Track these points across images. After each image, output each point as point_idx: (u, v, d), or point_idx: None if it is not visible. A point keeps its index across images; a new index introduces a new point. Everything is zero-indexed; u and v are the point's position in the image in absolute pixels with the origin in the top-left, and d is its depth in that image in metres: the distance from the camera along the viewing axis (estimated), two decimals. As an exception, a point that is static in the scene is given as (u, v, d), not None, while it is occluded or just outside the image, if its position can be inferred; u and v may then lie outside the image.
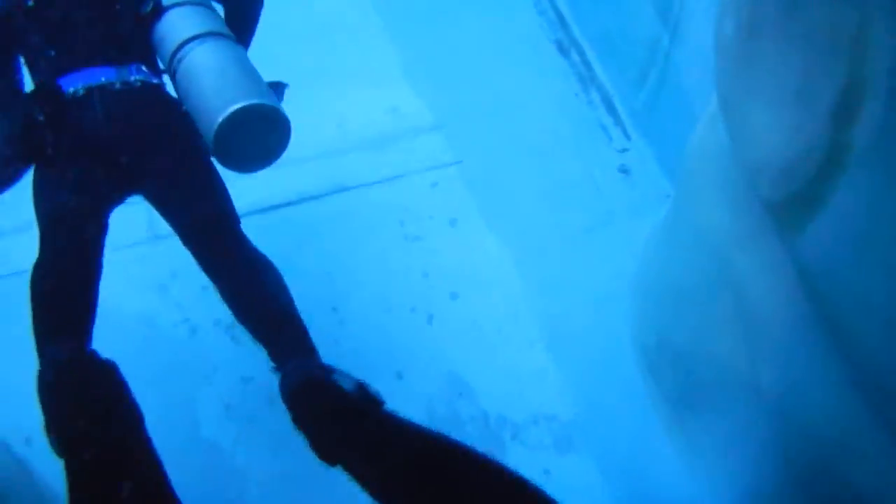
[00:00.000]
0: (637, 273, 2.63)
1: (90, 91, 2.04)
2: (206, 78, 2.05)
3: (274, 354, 1.91)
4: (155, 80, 2.17)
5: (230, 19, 2.29)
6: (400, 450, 1.66)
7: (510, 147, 3.06)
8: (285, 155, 3.06)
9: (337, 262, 2.80)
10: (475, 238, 2.84)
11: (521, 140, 3.08)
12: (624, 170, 3.01)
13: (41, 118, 2.01)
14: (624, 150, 3.06)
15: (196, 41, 2.11)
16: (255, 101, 2.02)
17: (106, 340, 2.61)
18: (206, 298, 2.58)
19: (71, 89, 2.05)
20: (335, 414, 1.73)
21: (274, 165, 3.00)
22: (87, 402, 1.71)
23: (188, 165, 2.12)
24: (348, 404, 1.74)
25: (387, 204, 2.93)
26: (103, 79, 2.06)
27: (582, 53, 3.35)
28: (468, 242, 2.83)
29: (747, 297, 1.80)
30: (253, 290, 2.01)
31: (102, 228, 2.08)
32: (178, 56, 2.10)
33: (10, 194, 2.16)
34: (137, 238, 2.82)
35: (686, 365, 2.25)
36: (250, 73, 2.12)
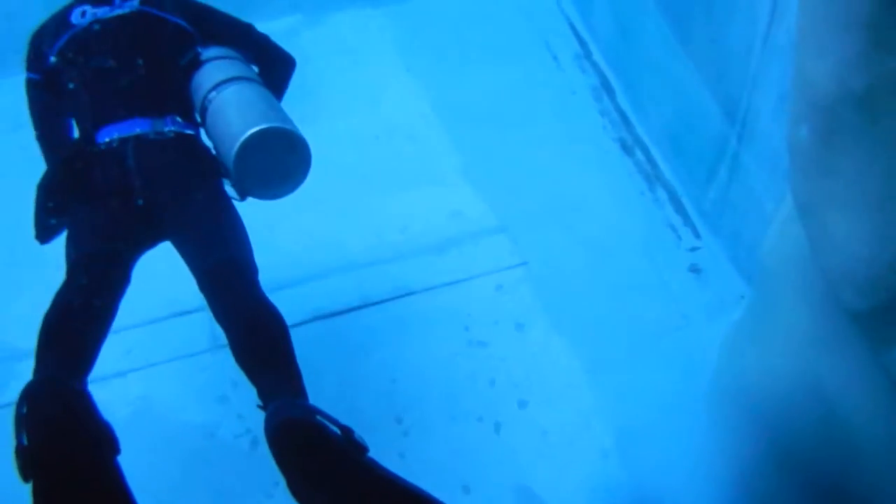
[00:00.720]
0: (712, 379, 2.56)
1: (125, 142, 2.16)
2: (230, 110, 2.18)
3: (262, 393, 1.92)
4: (189, 132, 2.27)
5: (262, 77, 2.44)
6: (378, 499, 1.67)
7: (576, 248, 3.07)
8: (348, 260, 3.17)
9: (401, 369, 2.81)
10: (543, 343, 2.83)
11: (586, 241, 3.09)
12: (695, 269, 2.99)
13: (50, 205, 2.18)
14: (694, 250, 3.05)
15: (226, 83, 2.25)
16: (273, 124, 2.12)
17: (167, 451, 2.69)
18: (269, 409, 2.62)
19: (106, 139, 2.17)
20: (316, 454, 1.75)
21: (337, 271, 3.10)
22: (55, 424, 1.75)
23: (212, 212, 2.22)
24: (331, 446, 1.75)
25: (451, 308, 2.95)
26: (138, 130, 2.18)
27: (646, 152, 3.38)
28: (536, 347, 2.82)
29: (837, 411, 1.74)
30: (253, 330, 2.05)
31: (125, 274, 2.17)
32: (209, 98, 2.24)
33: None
34: (199, 347, 2.89)
35: (768, 478, 2.16)
36: (273, 105, 2.25)
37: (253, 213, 3.28)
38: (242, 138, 2.08)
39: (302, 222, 3.22)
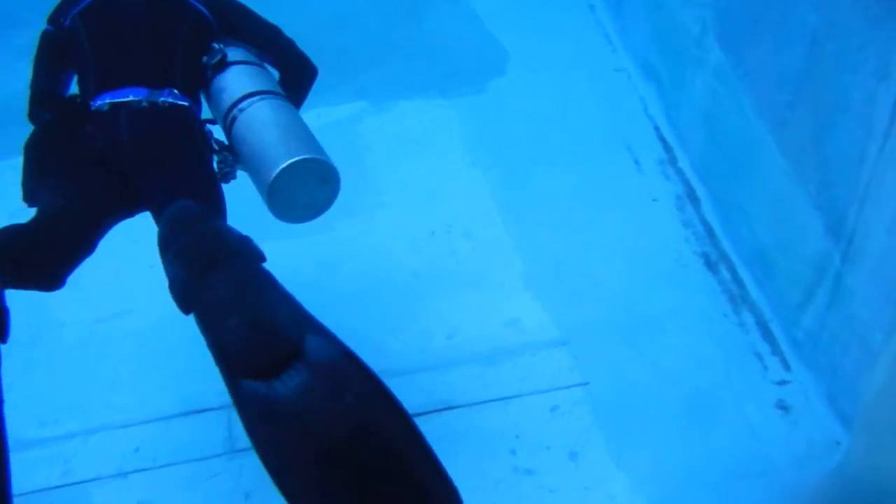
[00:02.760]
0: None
1: (116, 107, 2.32)
2: (270, 129, 2.35)
3: None
4: (183, 103, 2.40)
5: (283, 85, 2.61)
6: (266, 303, 1.79)
7: (645, 371, 2.92)
8: (386, 364, 3.07)
9: (435, 493, 2.66)
10: (599, 475, 2.65)
11: (658, 364, 2.94)
12: (783, 406, 2.80)
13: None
14: (783, 383, 2.86)
15: (258, 96, 2.42)
16: (316, 155, 2.30)
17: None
18: (280, 525, 2.50)
19: (99, 103, 2.33)
20: (209, 244, 1.89)
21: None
22: None
23: (192, 181, 2.34)
24: (227, 240, 1.90)
25: (498, 428, 2.81)
26: (131, 97, 2.34)
27: (733, 270, 3.25)
28: (590, 480, 2.64)
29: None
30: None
31: (92, 234, 2.28)
32: (241, 106, 2.41)
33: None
34: (213, 451, 2.82)
35: None
36: (310, 133, 2.42)
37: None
38: (286, 163, 2.24)
39: (341, 317, 3.12)
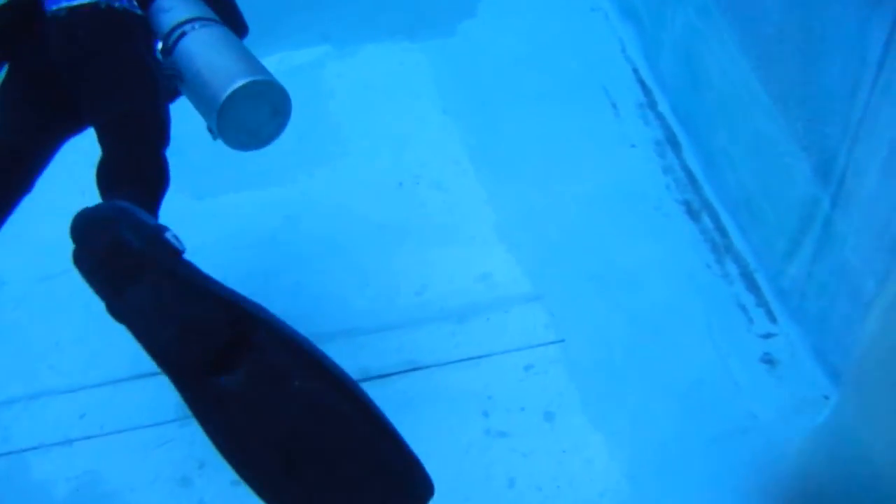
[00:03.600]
0: (785, 496, 2.25)
1: (73, 12, 2.21)
2: (224, 51, 2.29)
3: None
4: (138, 12, 2.32)
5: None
6: (202, 311, 1.72)
7: (624, 326, 2.79)
8: (350, 323, 2.96)
9: (402, 458, 2.53)
10: (576, 438, 2.52)
11: (637, 318, 2.81)
12: (768, 360, 2.68)
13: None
14: (768, 336, 2.74)
15: (207, 21, 2.37)
16: (273, 80, 2.25)
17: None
18: (237, 498, 2.37)
19: (54, 7, 2.21)
20: (112, 261, 1.78)
21: (337, 335, 2.91)
22: None
23: (139, 85, 2.26)
24: (135, 251, 1.77)
25: (468, 389, 2.67)
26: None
27: (716, 218, 3.11)
28: (567, 443, 2.51)
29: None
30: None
31: (42, 152, 2.25)
32: (188, 27, 2.33)
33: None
34: (164, 416, 2.66)
35: None
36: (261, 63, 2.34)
37: (249, 261, 3.14)
38: (239, 83, 2.18)
39: (302, 274, 3.02)
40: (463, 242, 3.14)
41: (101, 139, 2.18)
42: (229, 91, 2.17)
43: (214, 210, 3.32)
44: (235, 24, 2.56)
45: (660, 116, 3.56)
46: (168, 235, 1.82)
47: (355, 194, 3.32)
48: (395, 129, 3.60)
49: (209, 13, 2.42)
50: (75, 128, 2.32)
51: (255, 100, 2.22)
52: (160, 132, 2.25)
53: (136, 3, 2.33)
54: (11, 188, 2.18)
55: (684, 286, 2.92)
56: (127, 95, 2.23)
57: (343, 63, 3.93)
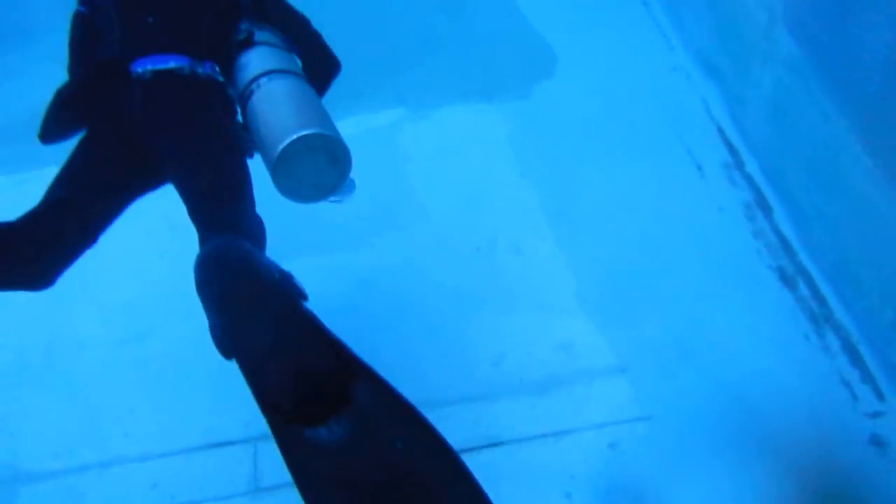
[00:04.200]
0: None
1: (157, 74, 2.27)
2: (285, 101, 2.30)
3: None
4: (220, 78, 2.37)
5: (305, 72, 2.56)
6: (315, 357, 1.69)
7: (716, 402, 2.64)
8: (425, 394, 2.83)
9: (479, 541, 2.40)
10: (666, 523, 2.38)
11: (730, 393, 2.66)
12: (877, 442, 2.49)
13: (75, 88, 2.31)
14: (876, 415, 2.55)
15: (278, 73, 2.37)
16: (329, 132, 2.21)
17: None
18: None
19: (140, 69, 2.27)
20: (249, 289, 1.76)
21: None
22: None
23: (219, 150, 2.29)
24: (268, 283, 1.78)
25: (550, 467, 2.55)
26: (173, 64, 2.28)
27: (813, 286, 2.94)
28: (656, 529, 2.37)
29: None
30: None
31: (113, 205, 2.25)
32: (259, 82, 2.35)
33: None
34: (237, 489, 2.62)
35: None
36: (324, 111, 2.34)
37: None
38: (297, 135, 2.17)
39: (376, 341, 2.92)
40: (542, 309, 3.03)
41: (194, 207, 2.20)
42: (279, 150, 2.17)
43: (288, 274, 3.28)
44: (324, 63, 2.61)
45: (748, 178, 3.41)
46: (296, 280, 1.86)
47: (431, 259, 3.25)
48: (472, 192, 3.53)
49: (286, 61, 2.45)
50: (147, 188, 2.34)
51: (310, 153, 2.20)
52: (248, 195, 2.29)
53: (218, 69, 2.36)
54: (74, 243, 2.15)
55: (780, 359, 2.76)
56: (212, 166, 2.26)
57: (419, 126, 3.89)
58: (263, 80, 2.34)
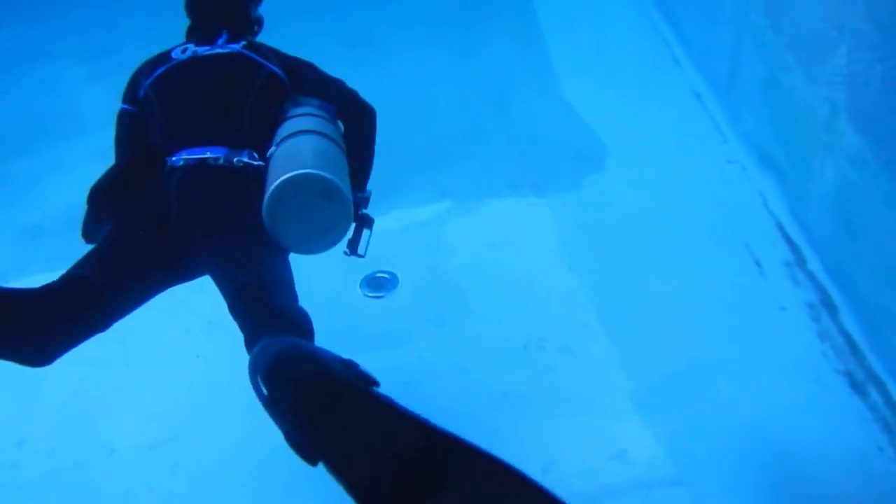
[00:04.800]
0: None
1: (192, 164, 2.31)
2: (278, 161, 2.31)
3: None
4: (258, 163, 2.38)
5: (348, 133, 2.63)
6: (402, 440, 1.66)
7: (786, 519, 2.45)
8: None
9: None
10: None
11: (802, 510, 2.47)
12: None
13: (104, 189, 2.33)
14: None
15: (290, 137, 2.39)
16: (303, 170, 2.20)
17: None
18: None
19: (175, 159, 2.32)
20: (319, 385, 1.73)
21: None
22: None
23: (255, 243, 2.28)
24: (340, 378, 1.76)
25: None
26: (209, 154, 2.33)
27: (885, 392, 2.77)
28: None
29: None
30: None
31: (142, 287, 2.24)
32: (271, 151, 2.39)
33: None
34: None
35: None
36: (322, 153, 2.33)
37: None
38: (275, 184, 2.21)
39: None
40: (594, 413, 2.89)
41: (234, 304, 2.18)
42: (266, 199, 2.21)
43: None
44: (360, 113, 2.67)
45: (811, 276, 3.28)
46: (362, 367, 1.85)
47: (476, 358, 3.14)
48: (519, 287, 3.44)
49: (309, 123, 2.46)
50: (173, 282, 2.34)
51: (298, 194, 2.21)
52: (289, 288, 2.28)
53: (256, 155, 2.39)
54: (85, 324, 2.13)
55: (853, 472, 2.57)
56: (248, 260, 2.23)
57: (464, 219, 3.85)
58: (273, 149, 2.38)
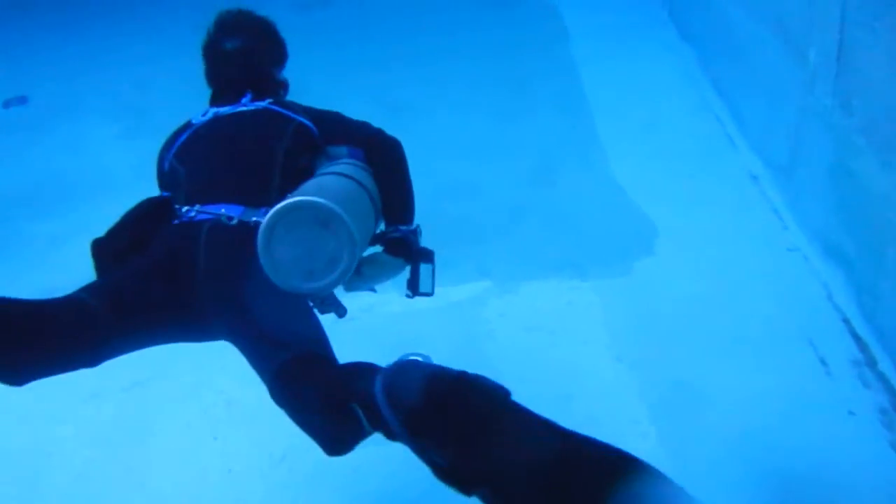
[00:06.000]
0: None
1: (203, 220, 2.30)
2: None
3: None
4: None
5: (377, 171, 2.61)
6: (541, 440, 1.74)
7: None
8: None
9: None
10: None
11: None
12: None
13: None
14: None
15: (311, 178, 2.41)
16: (300, 198, 2.16)
17: None
18: None
19: (185, 209, 2.35)
20: (473, 415, 1.76)
21: None
22: None
23: (279, 307, 2.22)
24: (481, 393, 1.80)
25: None
26: (223, 211, 2.32)
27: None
28: None
29: None
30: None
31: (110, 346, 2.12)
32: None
33: None
34: None
35: None
36: (337, 190, 2.29)
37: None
38: (264, 221, 2.17)
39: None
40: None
41: (273, 389, 2.11)
42: (260, 253, 2.16)
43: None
44: (386, 148, 2.66)
45: (882, 378, 3.07)
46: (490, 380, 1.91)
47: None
48: (562, 378, 3.25)
49: (337, 166, 2.49)
50: (173, 337, 2.30)
51: (291, 226, 2.16)
52: (330, 357, 2.23)
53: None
54: (73, 352, 2.05)
55: None
56: (283, 344, 2.15)
57: (504, 301, 3.69)
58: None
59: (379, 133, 2.69)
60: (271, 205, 2.23)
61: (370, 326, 3.54)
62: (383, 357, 3.41)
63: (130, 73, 6.07)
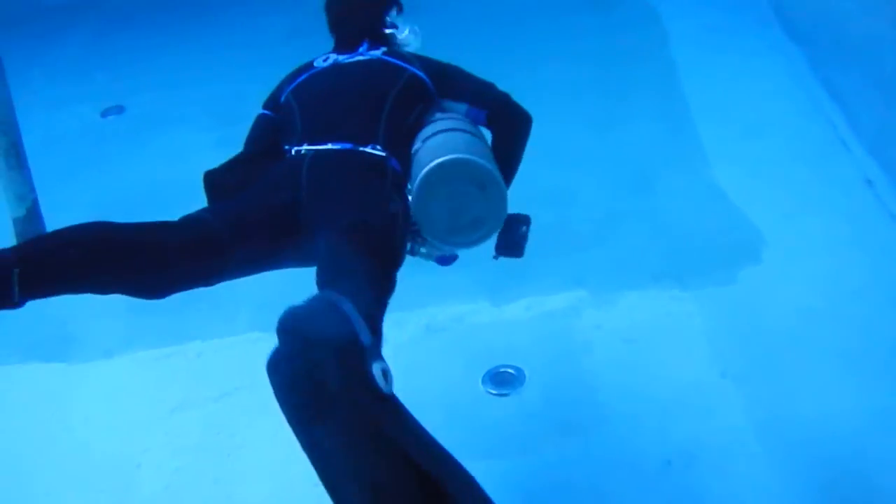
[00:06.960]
0: None
1: (312, 151, 2.42)
2: (425, 155, 2.36)
3: None
4: (381, 153, 2.42)
5: (497, 139, 2.67)
6: (384, 463, 1.65)
7: None
8: None
9: None
10: None
11: None
12: None
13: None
14: None
15: (448, 131, 2.45)
16: (465, 155, 2.28)
17: None
18: None
19: (297, 147, 2.46)
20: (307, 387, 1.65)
21: None
22: None
23: (370, 222, 2.23)
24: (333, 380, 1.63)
25: None
26: (330, 146, 2.42)
27: None
28: None
29: None
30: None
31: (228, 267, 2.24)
32: (413, 151, 2.46)
33: None
34: None
35: None
36: (473, 144, 2.39)
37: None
38: (427, 167, 2.28)
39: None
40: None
41: (327, 246, 2.16)
42: (417, 183, 2.29)
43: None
44: (514, 117, 2.71)
45: None
46: (375, 370, 1.68)
47: (612, 474, 2.87)
48: (662, 393, 3.14)
49: (453, 123, 2.55)
50: (288, 255, 2.37)
51: (449, 181, 2.28)
52: (392, 252, 2.25)
53: (379, 147, 2.43)
54: (197, 266, 2.18)
55: None
56: (362, 208, 2.25)
57: (601, 311, 3.58)
58: (416, 147, 2.45)
59: (508, 100, 2.73)
60: (381, 144, 2.41)
61: (460, 336, 3.49)
62: (475, 367, 3.38)
63: (225, 82, 6.16)
